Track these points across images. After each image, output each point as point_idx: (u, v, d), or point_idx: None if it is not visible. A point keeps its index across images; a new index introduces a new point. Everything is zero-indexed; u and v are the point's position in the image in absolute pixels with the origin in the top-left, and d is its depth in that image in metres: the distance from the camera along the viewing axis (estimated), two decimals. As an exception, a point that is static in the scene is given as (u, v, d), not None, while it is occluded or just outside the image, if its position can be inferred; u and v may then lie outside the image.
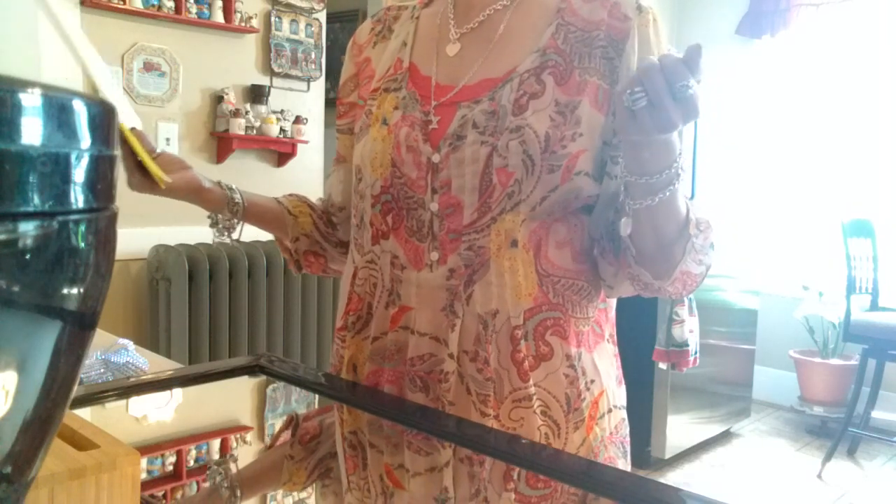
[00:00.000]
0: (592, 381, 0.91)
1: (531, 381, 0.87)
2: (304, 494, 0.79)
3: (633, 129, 0.72)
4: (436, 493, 0.74)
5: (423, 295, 0.90)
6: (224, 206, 1.04)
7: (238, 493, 0.79)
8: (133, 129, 0.96)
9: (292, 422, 0.99)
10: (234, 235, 1.06)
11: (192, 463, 0.86)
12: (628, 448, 0.98)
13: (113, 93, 1.07)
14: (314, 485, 0.81)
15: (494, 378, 0.86)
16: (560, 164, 0.85)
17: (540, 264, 0.87)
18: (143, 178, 0.95)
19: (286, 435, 0.95)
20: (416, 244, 0.90)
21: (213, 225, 1.07)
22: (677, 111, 0.70)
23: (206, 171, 3.01)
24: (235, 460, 0.90)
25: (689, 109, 0.70)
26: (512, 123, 0.86)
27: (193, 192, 1.01)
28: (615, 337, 0.98)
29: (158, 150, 1.00)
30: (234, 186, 1.05)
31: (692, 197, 0.85)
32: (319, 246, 1.11)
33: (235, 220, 1.05)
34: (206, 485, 0.81)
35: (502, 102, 0.87)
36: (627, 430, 0.98)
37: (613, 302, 0.98)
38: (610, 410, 0.93)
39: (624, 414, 0.97)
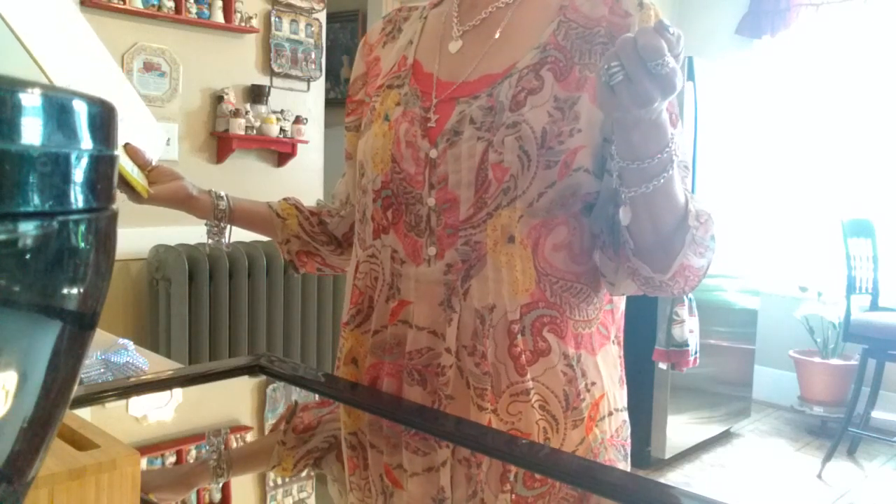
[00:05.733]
0: (593, 384, 0.90)
1: (529, 376, 0.87)
2: (303, 494, 0.79)
3: (612, 104, 0.72)
4: (433, 493, 0.74)
5: (422, 289, 0.90)
6: (211, 213, 1.09)
7: (225, 468, 0.82)
8: (126, 145, 1.01)
9: (292, 409, 1.01)
10: (224, 241, 1.12)
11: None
12: (629, 450, 0.97)
13: (138, 105, 1.11)
14: (314, 485, 0.81)
15: (492, 372, 0.87)
16: (557, 159, 0.85)
17: (538, 261, 0.87)
18: (126, 188, 1.00)
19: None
20: (415, 239, 0.91)
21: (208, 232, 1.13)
22: (655, 86, 0.70)
23: (207, 171, 3.05)
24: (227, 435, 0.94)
25: (667, 85, 0.70)
26: (509, 119, 0.86)
27: (180, 201, 1.07)
28: (621, 338, 0.98)
29: (154, 162, 1.07)
30: (223, 194, 1.11)
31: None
32: (311, 245, 1.14)
33: (223, 225, 1.10)
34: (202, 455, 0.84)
35: (500, 98, 0.87)
36: (629, 432, 0.98)
37: (620, 303, 0.97)
38: (611, 413, 0.93)
39: (625, 416, 0.97)
